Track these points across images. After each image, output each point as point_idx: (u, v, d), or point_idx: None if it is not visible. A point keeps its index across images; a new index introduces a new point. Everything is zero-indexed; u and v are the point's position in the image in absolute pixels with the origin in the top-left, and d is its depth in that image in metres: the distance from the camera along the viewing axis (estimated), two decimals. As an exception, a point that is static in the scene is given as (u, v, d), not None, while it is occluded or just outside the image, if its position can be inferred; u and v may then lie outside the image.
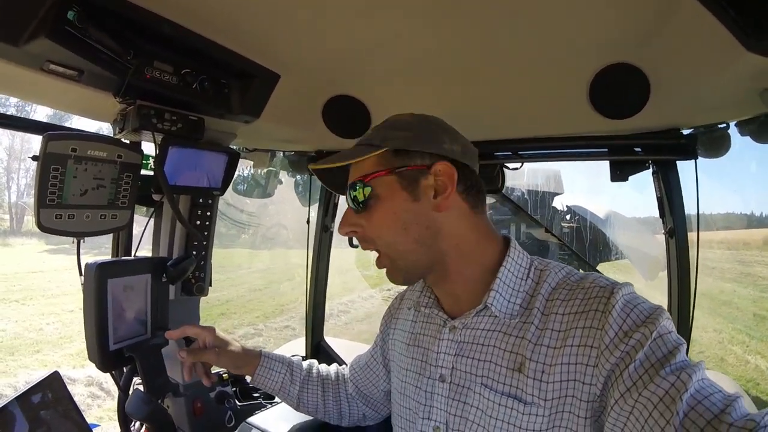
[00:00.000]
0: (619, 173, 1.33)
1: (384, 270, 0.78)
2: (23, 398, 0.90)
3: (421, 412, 0.78)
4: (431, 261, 0.75)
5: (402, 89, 1.23)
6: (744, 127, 1.14)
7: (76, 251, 1.05)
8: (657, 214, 1.39)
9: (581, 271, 0.75)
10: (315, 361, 1.07)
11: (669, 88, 1.03)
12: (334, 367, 1.08)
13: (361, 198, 0.74)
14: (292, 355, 1.80)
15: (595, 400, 0.61)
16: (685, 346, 0.59)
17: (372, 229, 0.75)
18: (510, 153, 1.43)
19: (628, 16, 0.87)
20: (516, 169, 1.51)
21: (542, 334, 0.67)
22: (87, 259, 1.03)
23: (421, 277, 0.80)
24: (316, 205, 1.84)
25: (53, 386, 0.98)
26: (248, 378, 1.27)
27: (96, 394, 5.28)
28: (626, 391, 0.56)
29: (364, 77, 1.20)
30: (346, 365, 1.10)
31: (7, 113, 1.10)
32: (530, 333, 0.68)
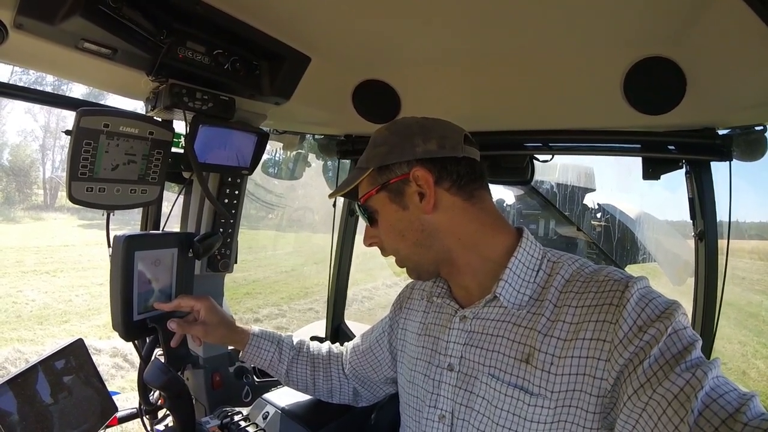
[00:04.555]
0: (652, 171, 1.29)
1: None
2: (46, 363, 0.94)
3: (428, 400, 0.79)
4: (436, 259, 0.78)
5: (433, 76, 1.22)
6: (782, 130, 1.10)
7: (105, 224, 1.08)
8: (688, 217, 1.34)
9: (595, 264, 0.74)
10: (306, 340, 1.10)
11: (706, 84, 0.99)
12: (326, 345, 1.11)
13: (366, 217, 0.83)
14: (312, 337, 1.84)
15: (605, 396, 0.61)
16: (701, 342, 0.58)
17: (384, 240, 0.82)
18: (540, 144, 1.40)
19: (664, 8, 0.84)
20: (546, 161, 1.47)
21: (553, 326, 0.67)
22: (118, 233, 1.07)
23: (433, 274, 0.82)
24: None
25: (77, 353, 1.02)
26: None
27: (120, 365, 5.50)
28: (640, 388, 0.56)
29: (395, 62, 1.19)
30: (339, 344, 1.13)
31: (43, 90, 1.14)
32: (540, 324, 0.68)
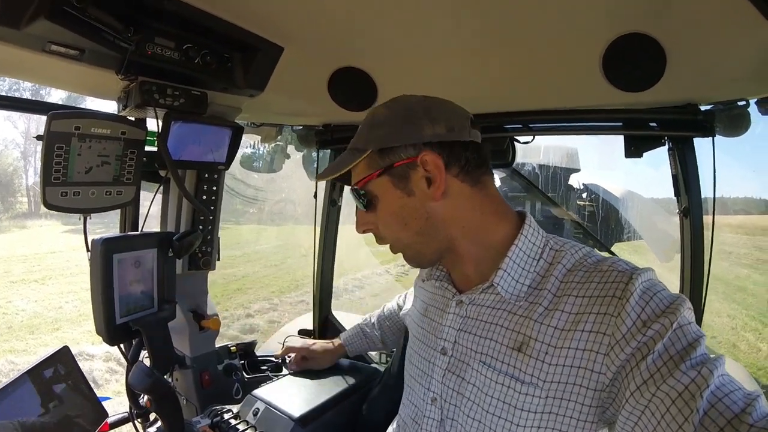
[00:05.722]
0: (634, 149, 1.28)
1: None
2: (34, 372, 0.92)
3: (423, 381, 0.79)
4: (438, 248, 0.75)
5: (409, 60, 1.19)
6: (764, 105, 1.09)
7: (83, 228, 1.06)
8: (673, 194, 1.34)
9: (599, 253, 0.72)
10: (377, 312, 1.36)
11: (686, 60, 0.98)
12: (389, 305, 1.35)
13: (362, 202, 0.77)
14: (300, 330, 1.84)
15: (603, 390, 0.60)
16: (705, 338, 0.56)
17: (380, 227, 0.77)
18: (520, 126, 1.38)
19: None
20: (527, 143, 1.46)
21: (551, 315, 0.65)
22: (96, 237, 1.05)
23: (434, 263, 0.80)
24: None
25: (63, 360, 1.00)
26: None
27: (114, 369, 5.46)
28: (643, 384, 0.54)
29: (370, 48, 1.16)
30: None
31: (21, 96, 1.11)
32: (537, 313, 0.66)
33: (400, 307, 1.30)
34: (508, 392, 0.66)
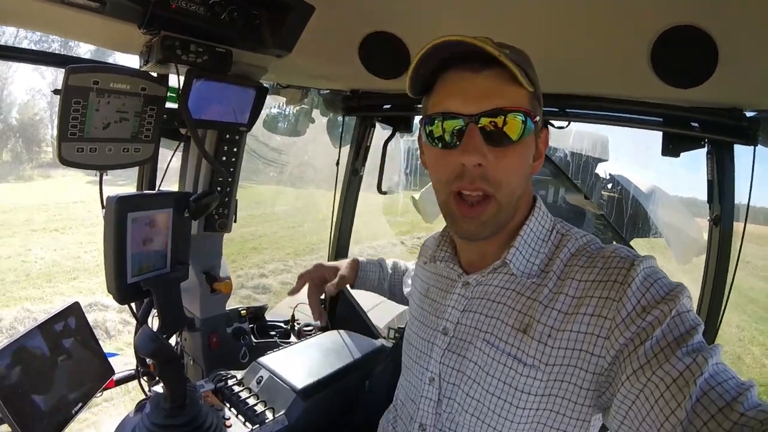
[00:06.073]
0: (672, 147, 1.24)
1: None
2: (45, 326, 0.94)
3: (422, 361, 0.78)
4: (510, 214, 0.70)
5: (445, 29, 1.13)
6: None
7: (99, 184, 1.05)
8: (701, 196, 1.30)
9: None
10: (394, 260, 1.29)
11: (739, 60, 0.93)
12: (404, 264, 1.28)
13: (516, 131, 0.64)
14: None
15: (601, 373, 0.60)
16: (703, 327, 0.57)
17: (500, 169, 0.65)
18: (557, 109, 1.32)
19: None
20: (561, 128, 1.38)
21: (555, 298, 0.66)
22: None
23: (501, 228, 0.71)
24: (347, 147, 1.80)
25: (74, 315, 1.02)
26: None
27: (127, 320, 5.62)
28: (639, 369, 0.55)
29: (405, 13, 1.11)
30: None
31: (49, 50, 1.10)
32: (542, 295, 0.67)
33: (407, 276, 1.23)
34: (510, 373, 0.66)
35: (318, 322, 1.30)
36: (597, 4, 0.91)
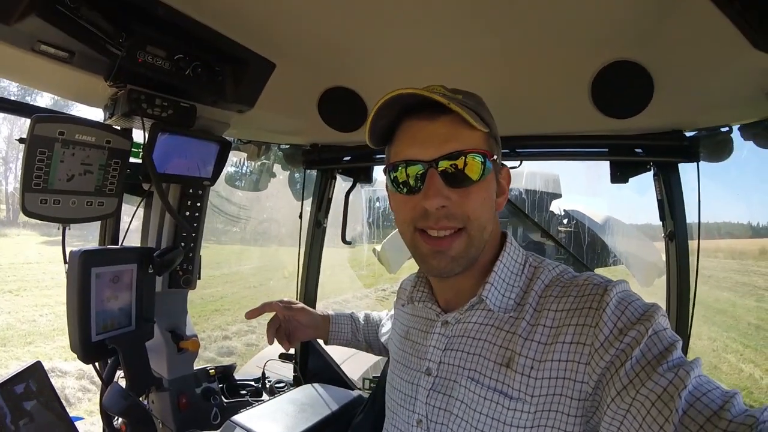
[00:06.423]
0: (620, 174, 1.31)
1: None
2: (5, 387, 0.87)
3: (407, 404, 0.77)
4: (480, 250, 0.72)
5: (401, 81, 1.19)
6: (747, 131, 1.12)
7: (61, 239, 1.02)
8: (655, 221, 1.36)
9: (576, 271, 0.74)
10: (364, 312, 1.25)
11: (673, 87, 1.01)
12: (377, 315, 1.25)
13: (476, 171, 0.67)
14: (280, 354, 1.78)
15: (586, 399, 0.60)
16: (681, 342, 0.58)
17: (465, 207, 0.67)
18: (508, 150, 1.39)
19: (631, 11, 0.85)
20: (514, 167, 1.46)
21: (533, 330, 0.66)
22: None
23: (469, 266, 0.72)
24: (309, 200, 1.80)
25: (35, 376, 0.95)
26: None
27: (87, 388, 5.23)
28: (623, 389, 0.55)
29: (362, 69, 1.17)
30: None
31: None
32: (521, 328, 0.67)
33: (381, 325, 1.21)
34: (497, 408, 0.65)
35: (289, 377, 1.25)
36: (538, 49, 0.98)
